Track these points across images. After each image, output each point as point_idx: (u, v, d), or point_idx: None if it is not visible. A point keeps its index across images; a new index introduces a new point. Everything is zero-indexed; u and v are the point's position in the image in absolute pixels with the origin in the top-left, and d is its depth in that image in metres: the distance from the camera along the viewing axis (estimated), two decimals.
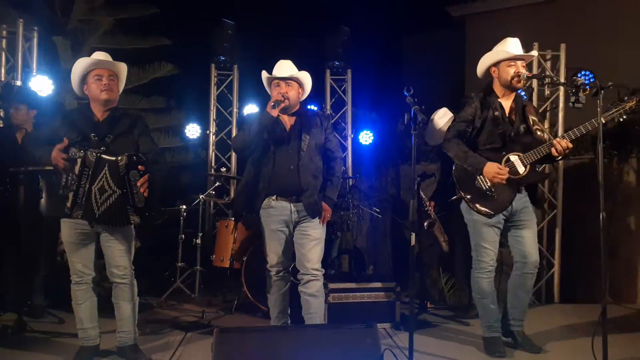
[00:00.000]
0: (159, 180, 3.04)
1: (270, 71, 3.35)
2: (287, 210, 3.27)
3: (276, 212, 3.27)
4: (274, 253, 3.33)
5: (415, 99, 2.81)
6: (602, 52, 6.90)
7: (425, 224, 4.24)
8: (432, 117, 4.21)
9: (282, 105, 3.20)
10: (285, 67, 3.33)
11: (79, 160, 2.83)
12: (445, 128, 4.11)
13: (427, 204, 4.39)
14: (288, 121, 3.35)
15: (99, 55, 3.10)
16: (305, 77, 3.38)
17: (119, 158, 2.86)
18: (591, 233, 4.86)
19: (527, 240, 3.34)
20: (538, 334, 3.60)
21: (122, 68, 3.14)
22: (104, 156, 2.86)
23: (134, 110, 6.30)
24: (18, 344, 3.41)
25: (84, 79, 3.07)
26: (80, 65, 3.06)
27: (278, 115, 3.23)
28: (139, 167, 2.89)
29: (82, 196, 2.86)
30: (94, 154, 2.84)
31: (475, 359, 3.27)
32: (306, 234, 3.28)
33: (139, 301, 4.62)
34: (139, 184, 2.88)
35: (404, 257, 4.64)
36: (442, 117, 4.16)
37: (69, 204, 2.86)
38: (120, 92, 3.17)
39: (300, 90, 3.38)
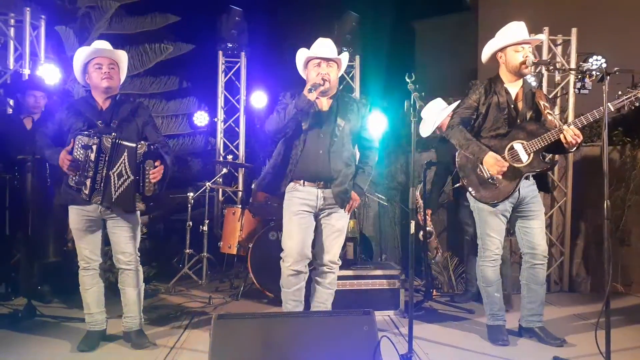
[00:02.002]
0: (168, 173, 3.08)
1: (302, 48, 3.12)
2: (313, 196, 3.08)
3: (302, 195, 3.08)
4: (292, 240, 3.06)
5: (417, 86, 2.75)
6: (616, 36, 6.73)
7: (420, 234, 4.22)
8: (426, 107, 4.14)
9: (321, 88, 3.00)
10: (328, 47, 3.10)
11: (94, 147, 2.89)
12: (440, 120, 4.08)
13: (424, 212, 4.31)
14: (325, 104, 3.16)
15: (99, 44, 3.12)
16: (345, 59, 3.19)
17: (139, 145, 2.93)
18: (602, 221, 4.81)
19: (536, 231, 3.29)
20: (545, 323, 3.58)
21: (122, 56, 3.16)
22: (123, 142, 2.92)
23: (143, 96, 6.36)
24: (27, 328, 3.48)
25: (85, 68, 3.11)
26: (80, 54, 3.10)
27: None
28: (155, 160, 2.95)
29: (100, 182, 2.92)
30: (109, 139, 2.91)
31: (478, 347, 3.26)
32: (329, 224, 3.14)
33: (147, 287, 4.71)
34: (152, 173, 2.94)
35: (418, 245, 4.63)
36: (444, 109, 4.11)
37: (86, 191, 2.91)
38: (122, 80, 3.20)
39: (338, 72, 3.18)
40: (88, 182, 2.90)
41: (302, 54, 3.13)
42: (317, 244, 3.18)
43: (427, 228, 4.35)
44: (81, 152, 2.89)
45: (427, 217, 4.34)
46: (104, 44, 3.14)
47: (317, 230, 3.17)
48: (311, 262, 3.20)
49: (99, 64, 3.06)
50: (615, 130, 4.98)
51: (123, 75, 3.22)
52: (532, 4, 7.85)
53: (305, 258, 3.10)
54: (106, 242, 3.19)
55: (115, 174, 2.93)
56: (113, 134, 2.95)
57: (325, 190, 3.10)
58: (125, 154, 2.93)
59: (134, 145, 2.93)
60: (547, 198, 5.01)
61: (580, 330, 3.54)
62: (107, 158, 2.92)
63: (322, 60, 3.06)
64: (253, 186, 4.64)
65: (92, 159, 2.90)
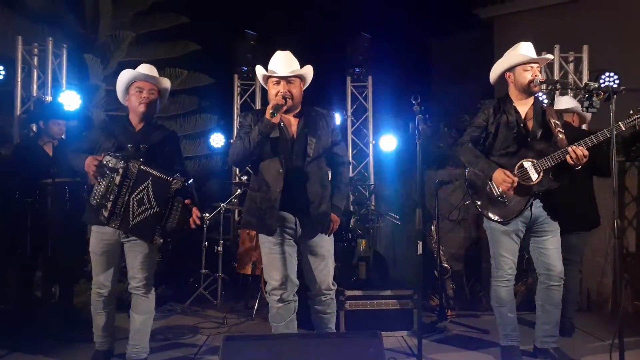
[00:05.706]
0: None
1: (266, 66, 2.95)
2: (291, 223, 2.92)
3: (281, 222, 2.91)
4: (275, 270, 2.88)
5: (422, 107, 2.79)
6: (629, 53, 6.67)
7: (435, 272, 4.18)
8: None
9: (284, 108, 2.84)
10: (285, 63, 2.91)
11: (120, 171, 2.87)
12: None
13: (438, 246, 4.23)
14: (291, 123, 2.98)
15: (144, 68, 3.13)
16: (308, 72, 2.99)
17: (174, 180, 2.88)
18: (621, 238, 4.69)
19: (551, 251, 3.24)
20: (561, 344, 3.52)
21: (165, 83, 3.16)
22: (149, 170, 2.87)
23: (161, 119, 6.49)
24: (40, 351, 3.52)
25: (127, 90, 3.12)
26: (125, 76, 3.12)
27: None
28: (186, 200, 2.92)
29: (121, 206, 2.91)
30: (136, 165, 2.88)
31: None
32: (315, 253, 2.97)
33: (163, 308, 4.76)
34: (194, 215, 2.92)
35: (431, 264, 4.61)
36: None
37: (106, 213, 2.90)
38: (159, 107, 3.19)
39: (302, 85, 3.00)
40: (109, 204, 2.89)
41: (259, 72, 2.99)
42: (306, 275, 3.04)
43: (443, 264, 4.31)
44: (107, 172, 2.87)
45: (441, 251, 4.30)
46: (149, 69, 3.13)
47: (302, 261, 3.01)
48: (307, 291, 3.07)
49: (140, 87, 3.07)
50: (633, 145, 4.91)
51: (163, 102, 3.23)
52: (546, 22, 7.85)
53: (295, 286, 2.94)
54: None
55: (135, 199, 2.89)
56: (141, 159, 2.92)
57: (302, 216, 2.91)
58: (150, 181, 2.87)
59: (167, 178, 2.87)
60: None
61: (596, 352, 3.47)
62: (130, 184, 2.88)
63: (280, 78, 2.90)
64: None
65: (117, 183, 2.88)
